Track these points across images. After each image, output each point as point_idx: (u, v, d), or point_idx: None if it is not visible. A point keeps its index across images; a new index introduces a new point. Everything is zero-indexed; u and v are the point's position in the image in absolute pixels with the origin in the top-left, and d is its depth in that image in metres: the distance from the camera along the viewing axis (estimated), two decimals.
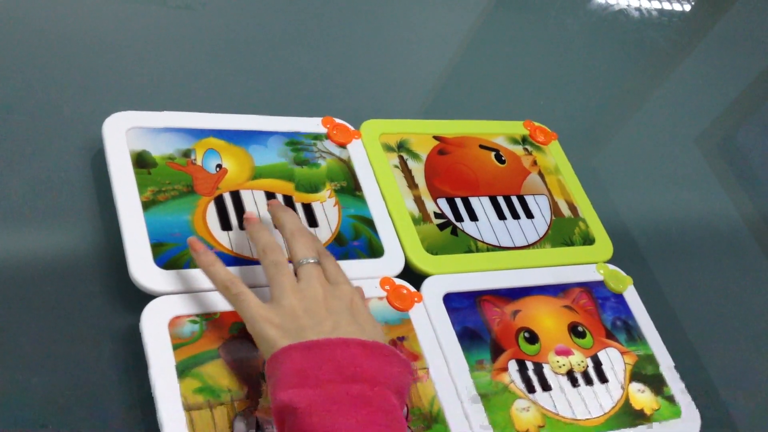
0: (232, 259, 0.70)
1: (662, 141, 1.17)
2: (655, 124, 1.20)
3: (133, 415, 0.61)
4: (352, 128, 0.86)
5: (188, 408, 0.59)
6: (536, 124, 0.98)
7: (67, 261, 0.69)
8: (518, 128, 0.97)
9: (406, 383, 0.58)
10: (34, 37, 0.85)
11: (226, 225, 0.72)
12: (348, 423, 0.52)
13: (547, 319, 0.79)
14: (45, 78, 0.81)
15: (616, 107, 1.22)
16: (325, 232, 0.76)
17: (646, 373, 0.79)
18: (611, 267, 0.86)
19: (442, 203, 0.84)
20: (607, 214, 0.94)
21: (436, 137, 0.90)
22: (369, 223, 0.79)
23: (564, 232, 0.88)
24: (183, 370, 0.61)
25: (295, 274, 0.63)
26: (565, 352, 0.77)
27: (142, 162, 0.73)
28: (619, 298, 0.85)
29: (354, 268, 0.72)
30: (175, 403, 0.59)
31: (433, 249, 0.79)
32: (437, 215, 0.83)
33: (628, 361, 0.80)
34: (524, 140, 0.96)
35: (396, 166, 0.85)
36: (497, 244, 0.83)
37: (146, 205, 0.70)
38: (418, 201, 0.83)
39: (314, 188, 0.79)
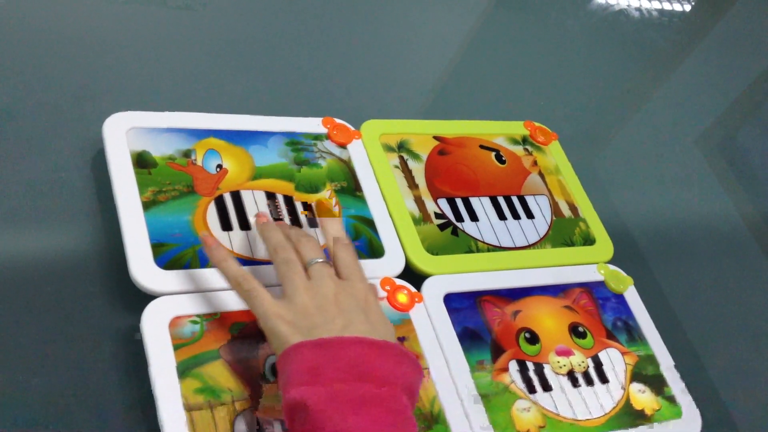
0: None
1: (662, 141, 1.17)
2: (656, 125, 1.20)
3: (134, 416, 0.61)
4: (352, 128, 0.86)
5: (189, 408, 0.59)
6: (536, 124, 0.98)
7: (68, 261, 0.69)
8: (518, 128, 0.97)
9: (416, 383, 0.58)
10: (35, 38, 0.85)
11: (226, 225, 0.72)
12: (358, 422, 0.52)
13: (548, 319, 0.79)
14: (45, 78, 0.81)
15: (616, 107, 1.22)
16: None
17: (646, 374, 0.79)
18: (612, 267, 0.86)
19: (443, 203, 0.84)
20: (607, 215, 0.94)
21: (436, 137, 0.90)
22: (369, 223, 0.79)
23: (564, 232, 0.88)
24: (183, 371, 0.61)
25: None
26: (566, 353, 0.77)
27: (142, 162, 0.73)
28: (620, 298, 0.85)
29: None
30: (176, 404, 0.59)
31: (433, 249, 0.79)
32: (438, 215, 0.83)
33: (629, 361, 0.80)
34: (524, 140, 0.96)
35: (396, 167, 0.85)
36: (498, 244, 0.83)
37: (146, 206, 0.70)
38: (419, 201, 0.83)
39: (314, 188, 0.79)
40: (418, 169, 0.86)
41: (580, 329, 0.80)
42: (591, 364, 0.77)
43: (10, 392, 0.60)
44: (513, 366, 0.74)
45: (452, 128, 0.92)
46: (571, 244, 0.87)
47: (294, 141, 0.82)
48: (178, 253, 0.68)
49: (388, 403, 0.54)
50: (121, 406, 0.61)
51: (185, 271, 0.67)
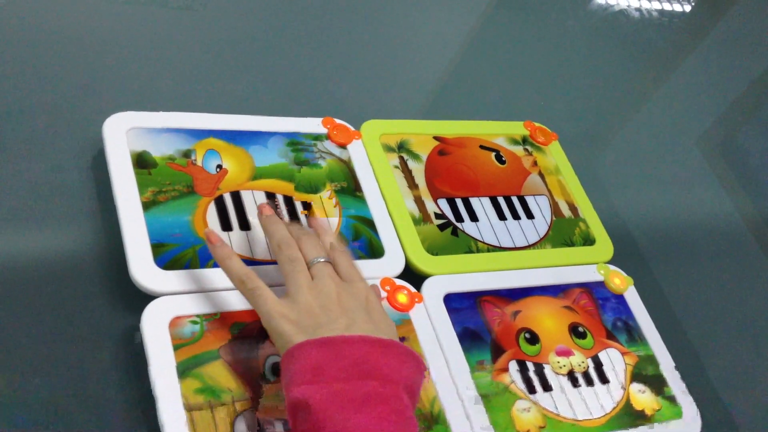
0: None
1: (663, 141, 1.17)
2: (656, 125, 1.20)
3: (134, 416, 0.61)
4: (352, 129, 0.86)
5: (189, 408, 0.59)
6: (536, 124, 0.98)
7: (68, 262, 0.69)
8: (518, 129, 0.97)
9: (417, 383, 0.58)
10: (34, 38, 0.85)
11: (226, 225, 0.72)
12: (361, 420, 0.52)
13: (548, 319, 0.79)
14: (45, 78, 0.81)
15: (616, 108, 1.22)
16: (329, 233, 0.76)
17: (646, 374, 0.79)
18: (612, 267, 0.86)
19: (443, 204, 0.84)
20: (607, 215, 0.93)
21: (436, 138, 0.90)
22: (369, 223, 0.79)
23: (564, 232, 0.88)
24: (183, 371, 0.61)
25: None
26: (566, 353, 0.77)
27: (142, 162, 0.73)
28: (620, 298, 0.85)
29: None
30: (176, 404, 0.59)
31: (433, 249, 0.79)
32: (437, 216, 0.83)
33: (629, 361, 0.79)
34: (524, 141, 0.96)
35: (396, 167, 0.85)
36: (498, 244, 0.83)
37: (146, 206, 0.70)
38: (419, 201, 0.83)
39: (314, 188, 0.79)
40: (418, 169, 0.86)
41: (580, 329, 0.79)
42: (591, 365, 0.77)
43: (10, 392, 0.59)
44: (513, 366, 0.74)
45: (452, 128, 0.92)
46: (571, 244, 0.87)
47: (294, 141, 0.82)
48: (178, 253, 0.68)
49: (391, 402, 0.54)
50: (121, 406, 0.61)
51: (185, 271, 0.67)
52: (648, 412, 0.76)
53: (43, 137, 0.76)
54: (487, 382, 0.71)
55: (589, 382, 0.76)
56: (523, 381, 0.73)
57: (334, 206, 0.78)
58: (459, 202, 0.85)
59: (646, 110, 1.23)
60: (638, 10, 1.36)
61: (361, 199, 0.80)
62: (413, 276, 0.77)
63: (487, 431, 0.68)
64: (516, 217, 0.87)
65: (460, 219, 0.83)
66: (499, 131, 0.95)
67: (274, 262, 0.70)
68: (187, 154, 0.75)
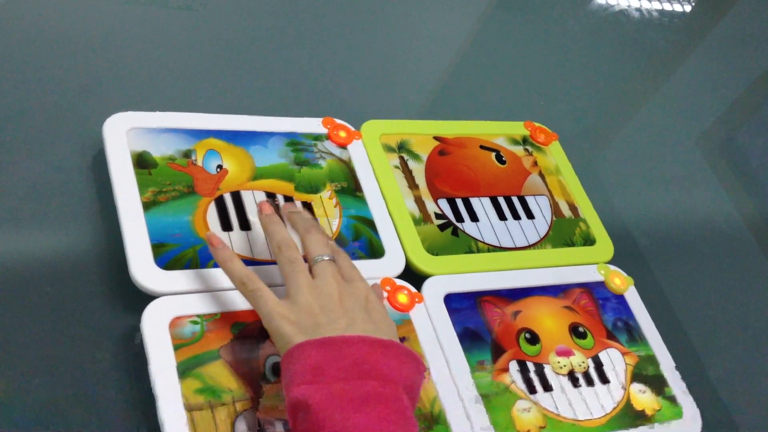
0: None
1: (663, 141, 1.17)
2: (656, 125, 1.20)
3: (134, 416, 0.61)
4: (352, 129, 0.86)
5: (189, 408, 0.59)
6: (537, 124, 0.98)
7: (68, 262, 0.69)
8: (519, 129, 0.97)
9: (417, 383, 0.58)
10: (34, 38, 0.85)
11: (226, 225, 0.72)
12: (360, 420, 0.52)
13: (548, 319, 0.79)
14: (45, 78, 0.81)
15: (616, 108, 1.22)
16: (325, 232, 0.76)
17: (647, 374, 0.79)
18: (612, 267, 0.86)
19: (443, 204, 0.84)
20: (607, 215, 0.93)
21: (436, 138, 0.90)
22: (369, 223, 0.79)
23: (565, 232, 0.88)
24: (184, 371, 0.61)
25: (310, 271, 0.63)
26: (566, 353, 0.77)
27: (142, 162, 0.73)
28: (620, 298, 0.85)
29: None
30: (176, 404, 0.59)
31: (433, 249, 0.79)
32: (438, 216, 0.82)
33: (629, 361, 0.79)
34: (525, 141, 0.96)
35: (396, 167, 0.85)
36: (498, 244, 0.83)
37: (147, 206, 0.70)
38: (419, 201, 0.83)
39: (315, 189, 0.79)
40: (418, 169, 0.86)
41: (581, 329, 0.79)
42: (591, 365, 0.77)
43: (10, 392, 0.59)
44: (513, 366, 0.74)
45: (452, 128, 0.92)
46: (572, 244, 0.87)
47: (294, 141, 0.82)
48: (178, 253, 0.68)
49: (391, 402, 0.54)
50: (121, 406, 0.61)
51: (185, 271, 0.67)
52: (648, 412, 0.76)
53: (43, 137, 0.76)
54: (487, 382, 0.71)
55: (590, 382, 0.76)
56: (523, 381, 0.73)
57: (335, 206, 0.78)
58: (459, 202, 0.85)
59: (646, 110, 1.23)
60: (638, 10, 1.36)
61: (362, 199, 0.80)
62: (413, 276, 0.77)
63: (487, 431, 0.68)
64: (516, 217, 0.87)
65: (460, 219, 0.83)
66: (500, 131, 0.95)
67: (274, 262, 0.70)
68: (187, 155, 0.75)
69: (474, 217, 0.84)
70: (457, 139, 0.91)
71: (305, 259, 0.65)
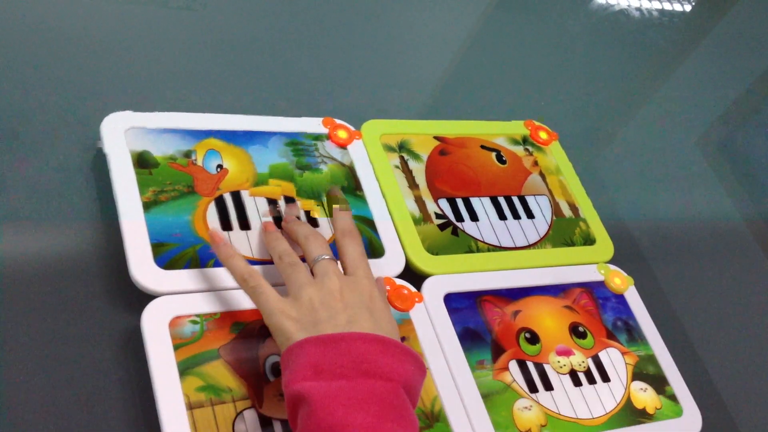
0: None
1: (663, 141, 1.17)
2: (656, 125, 1.20)
3: (134, 416, 0.61)
4: (352, 129, 0.86)
5: (190, 406, 0.59)
6: (537, 124, 0.98)
7: (68, 261, 0.69)
8: (519, 128, 0.97)
9: (417, 381, 0.58)
10: (34, 37, 0.85)
11: (226, 225, 0.72)
12: (360, 418, 0.52)
13: (548, 319, 0.79)
14: (45, 78, 0.81)
15: (616, 108, 1.22)
16: (325, 232, 0.76)
17: (647, 373, 0.79)
18: (612, 267, 0.86)
19: (443, 203, 0.84)
20: (607, 215, 0.93)
21: (436, 137, 0.90)
22: (370, 223, 0.79)
23: (565, 232, 0.88)
24: (184, 370, 0.61)
25: (312, 273, 0.64)
26: (566, 353, 0.77)
27: (143, 162, 0.73)
28: (620, 298, 0.85)
29: None
30: (177, 403, 0.59)
31: (433, 249, 0.79)
32: (438, 215, 0.82)
33: (629, 361, 0.79)
34: (525, 140, 0.96)
35: (397, 167, 0.85)
36: (498, 244, 0.83)
37: (147, 206, 0.70)
38: (419, 201, 0.83)
39: (316, 195, 0.78)
40: (418, 169, 0.86)
41: (581, 329, 0.79)
42: (591, 364, 0.77)
43: (10, 393, 0.59)
44: (513, 366, 0.74)
45: (453, 128, 0.92)
46: (572, 244, 0.87)
47: (294, 141, 0.82)
48: (178, 253, 0.68)
49: (391, 399, 0.55)
50: (121, 406, 0.61)
51: (185, 271, 0.67)
52: (649, 410, 0.76)
53: (43, 137, 0.76)
54: (487, 381, 0.71)
55: (591, 380, 0.76)
56: (524, 380, 0.73)
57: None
58: (459, 202, 0.85)
59: (646, 110, 1.23)
60: (638, 10, 1.36)
61: (362, 199, 0.80)
62: (413, 276, 0.77)
63: (488, 430, 0.68)
64: (516, 216, 0.87)
65: (460, 219, 0.83)
66: (500, 131, 0.95)
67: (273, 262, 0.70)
68: (187, 154, 0.75)
69: (474, 217, 0.84)
70: (457, 139, 0.91)
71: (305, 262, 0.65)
